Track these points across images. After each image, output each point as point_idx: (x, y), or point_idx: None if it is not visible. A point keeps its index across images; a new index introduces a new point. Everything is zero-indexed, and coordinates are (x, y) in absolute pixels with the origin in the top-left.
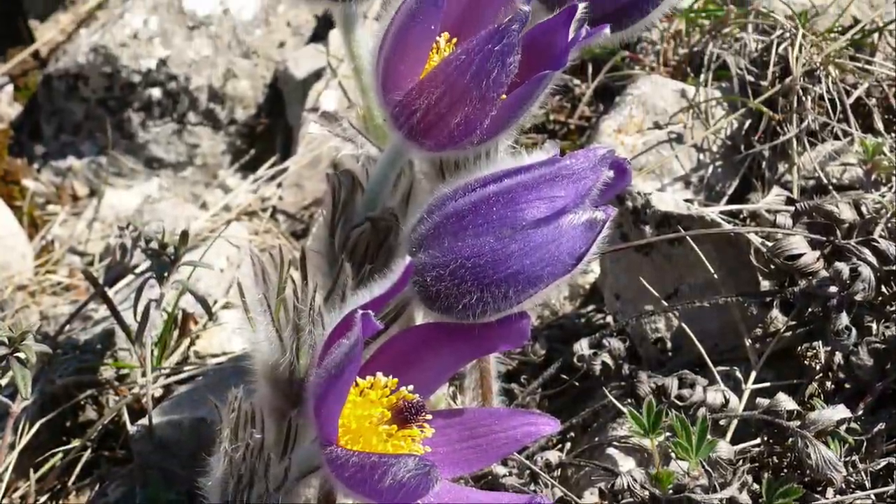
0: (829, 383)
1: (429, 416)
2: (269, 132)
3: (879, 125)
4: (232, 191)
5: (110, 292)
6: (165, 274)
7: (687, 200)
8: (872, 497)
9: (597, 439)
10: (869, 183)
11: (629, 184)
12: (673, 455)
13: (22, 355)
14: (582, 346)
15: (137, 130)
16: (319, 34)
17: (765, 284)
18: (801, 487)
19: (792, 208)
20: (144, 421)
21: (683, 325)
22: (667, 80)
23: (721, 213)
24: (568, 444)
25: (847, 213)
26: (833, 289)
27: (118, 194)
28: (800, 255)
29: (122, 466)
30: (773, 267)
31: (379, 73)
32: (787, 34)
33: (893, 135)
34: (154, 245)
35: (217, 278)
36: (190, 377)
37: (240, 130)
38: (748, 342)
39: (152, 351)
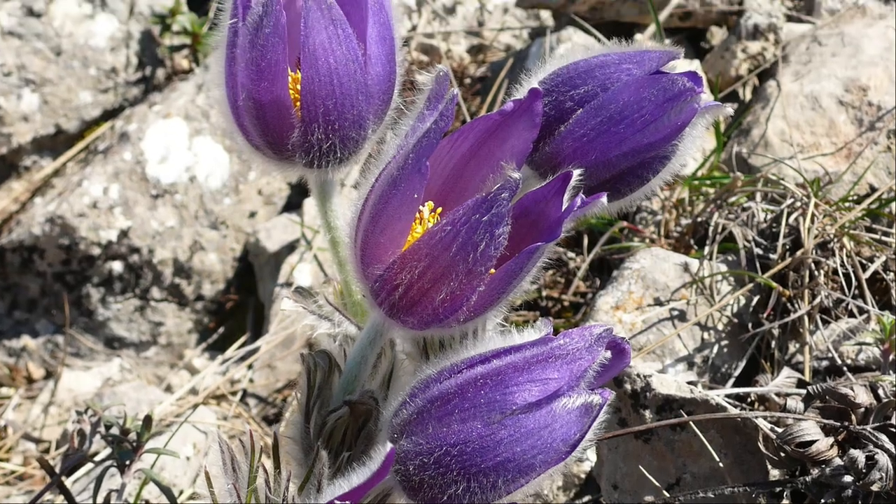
0: None
1: None
2: (238, 309)
3: None
4: (199, 372)
5: (68, 482)
6: (127, 462)
7: (690, 383)
8: None
9: None
10: (886, 364)
11: (628, 365)
12: None
13: None
14: None
15: (97, 307)
16: (293, 203)
17: (774, 473)
18: None
19: (803, 391)
20: None
21: None
22: (668, 253)
23: (727, 396)
24: None
25: (863, 397)
26: (848, 478)
27: (76, 376)
28: (812, 442)
29: None
30: (783, 455)
31: (358, 245)
32: (799, 203)
33: None
34: (115, 431)
35: (183, 467)
36: None
37: (207, 307)
38: None
39: None
